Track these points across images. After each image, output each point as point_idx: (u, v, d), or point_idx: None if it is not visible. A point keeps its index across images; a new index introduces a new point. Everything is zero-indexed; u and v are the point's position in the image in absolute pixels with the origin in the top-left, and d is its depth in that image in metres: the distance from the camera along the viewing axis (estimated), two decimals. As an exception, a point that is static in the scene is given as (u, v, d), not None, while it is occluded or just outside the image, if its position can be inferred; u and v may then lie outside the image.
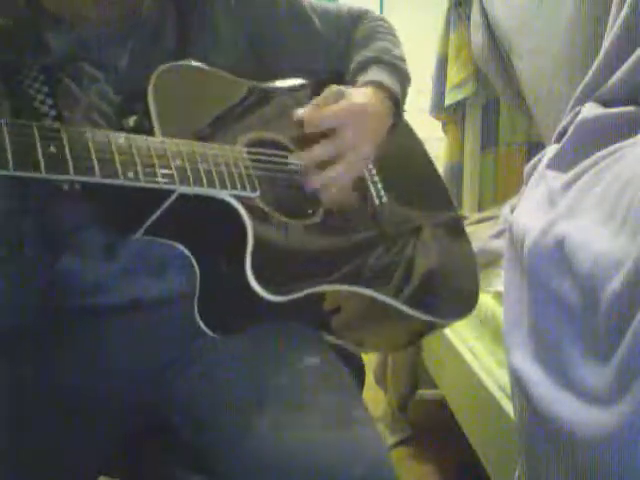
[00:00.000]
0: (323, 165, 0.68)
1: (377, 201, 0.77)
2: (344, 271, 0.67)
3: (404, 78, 0.81)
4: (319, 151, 0.68)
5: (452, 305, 0.79)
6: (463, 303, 0.80)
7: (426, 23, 2.03)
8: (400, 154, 0.84)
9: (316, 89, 0.80)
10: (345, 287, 0.66)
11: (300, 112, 0.70)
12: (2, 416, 0.58)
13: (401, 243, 0.76)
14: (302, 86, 0.81)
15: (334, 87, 0.72)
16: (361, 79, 0.76)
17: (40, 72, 0.61)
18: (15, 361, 0.62)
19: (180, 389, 0.65)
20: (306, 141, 0.70)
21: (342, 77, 0.82)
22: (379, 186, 0.79)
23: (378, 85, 0.75)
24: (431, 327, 0.80)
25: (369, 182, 0.78)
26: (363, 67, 0.78)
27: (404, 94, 0.81)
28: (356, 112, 0.70)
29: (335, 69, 0.83)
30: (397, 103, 0.77)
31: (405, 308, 0.71)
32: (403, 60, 0.83)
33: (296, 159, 0.68)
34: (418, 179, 0.88)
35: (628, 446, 0.43)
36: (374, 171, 0.79)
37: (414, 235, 0.79)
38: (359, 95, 0.72)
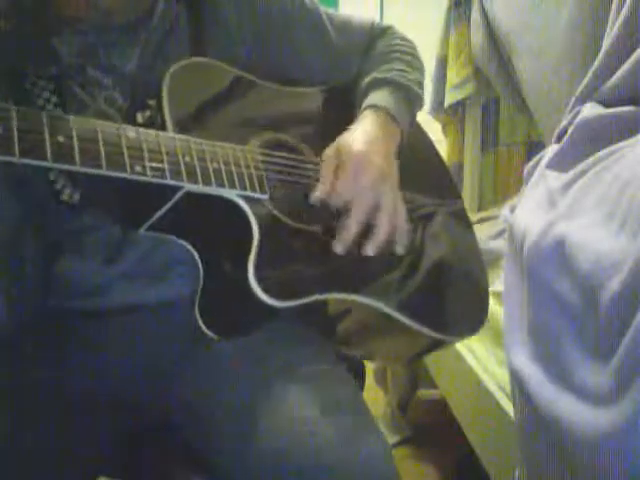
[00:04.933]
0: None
1: None
2: (350, 280, 0.65)
3: (414, 101, 0.78)
4: (354, 222, 0.64)
5: (462, 322, 0.76)
6: (472, 320, 0.77)
7: (426, 23, 2.03)
8: (413, 162, 0.81)
9: (330, 93, 0.80)
10: (350, 296, 0.64)
11: (316, 199, 0.64)
12: (3, 416, 0.58)
13: (412, 254, 0.74)
14: (317, 89, 0.80)
15: (328, 152, 0.67)
16: (364, 103, 0.74)
17: (49, 81, 0.60)
18: (15, 362, 0.62)
19: (180, 390, 0.65)
20: (321, 144, 0.69)
21: (356, 84, 0.80)
22: None
23: (378, 109, 0.72)
24: (439, 344, 0.76)
25: None
26: (370, 88, 0.76)
27: (412, 118, 0.78)
28: (360, 166, 0.65)
29: (348, 81, 0.82)
30: (397, 121, 0.73)
31: (412, 323, 0.67)
32: (418, 83, 0.80)
33: (339, 242, 0.63)
34: (433, 188, 0.85)
35: (628, 446, 0.43)
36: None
37: (426, 247, 0.76)
38: (354, 142, 0.67)
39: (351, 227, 0.64)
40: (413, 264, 0.73)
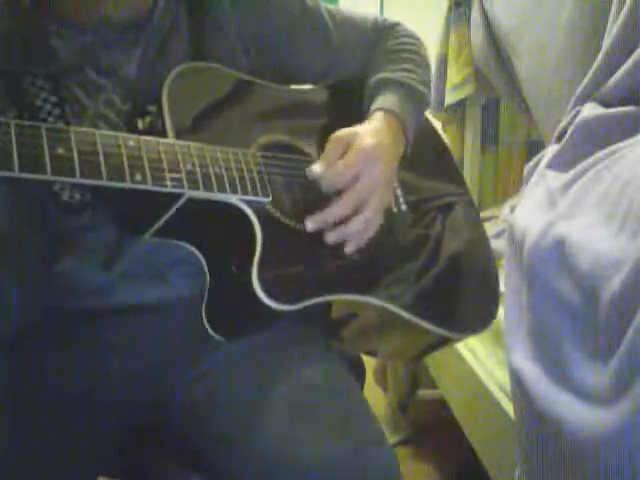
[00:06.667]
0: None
1: (395, 209, 0.75)
2: (354, 280, 0.65)
3: (420, 103, 0.77)
4: (338, 210, 0.63)
5: (468, 320, 0.75)
6: (479, 318, 0.76)
7: (426, 23, 2.03)
8: (420, 160, 0.80)
9: (334, 93, 0.79)
10: (354, 297, 0.64)
11: (312, 172, 0.64)
12: (3, 416, 0.58)
13: (417, 253, 0.73)
14: (320, 89, 0.79)
15: (340, 134, 0.67)
16: (374, 105, 0.73)
17: (47, 81, 0.60)
18: (16, 362, 0.62)
19: (180, 390, 0.65)
20: (324, 144, 0.68)
21: (360, 83, 0.79)
22: (399, 192, 0.76)
23: (388, 113, 0.72)
24: (445, 341, 0.75)
25: None
26: (377, 90, 0.75)
27: (419, 119, 0.77)
28: (368, 158, 0.65)
29: (351, 79, 0.81)
30: (405, 129, 0.73)
31: (419, 320, 0.67)
32: (425, 83, 0.79)
33: (314, 220, 0.62)
34: (439, 187, 0.84)
35: (628, 446, 0.43)
36: (395, 181, 0.76)
37: (431, 245, 0.75)
38: (368, 134, 0.67)
39: (333, 212, 0.62)
40: (421, 260, 0.73)
